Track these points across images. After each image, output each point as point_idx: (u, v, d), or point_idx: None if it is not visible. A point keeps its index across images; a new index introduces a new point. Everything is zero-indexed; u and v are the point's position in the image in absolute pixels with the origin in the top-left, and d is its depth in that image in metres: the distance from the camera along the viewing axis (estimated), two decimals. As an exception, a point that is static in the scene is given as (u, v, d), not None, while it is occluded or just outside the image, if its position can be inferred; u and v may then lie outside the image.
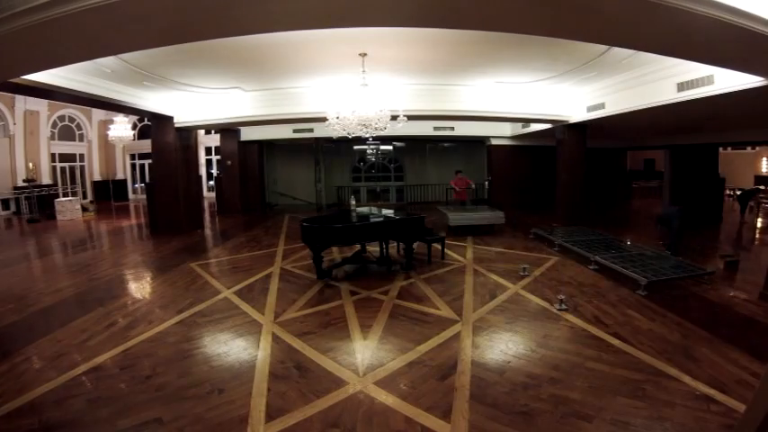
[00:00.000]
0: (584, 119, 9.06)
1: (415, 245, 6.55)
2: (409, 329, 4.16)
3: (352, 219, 6.54)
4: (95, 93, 6.93)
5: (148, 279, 6.23)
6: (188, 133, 10.15)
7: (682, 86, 6.21)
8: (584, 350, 3.63)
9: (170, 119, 9.51)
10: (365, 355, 3.63)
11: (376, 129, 6.37)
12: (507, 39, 5.22)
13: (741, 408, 2.71)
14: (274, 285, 5.67)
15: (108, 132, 13.58)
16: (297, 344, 3.87)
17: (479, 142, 15.59)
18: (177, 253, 7.82)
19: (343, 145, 15.86)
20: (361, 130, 6.38)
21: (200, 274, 6.32)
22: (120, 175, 19.60)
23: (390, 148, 17.29)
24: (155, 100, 8.73)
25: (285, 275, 6.18)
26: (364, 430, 2.64)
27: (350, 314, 4.56)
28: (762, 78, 4.73)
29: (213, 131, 16.99)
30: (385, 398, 2.97)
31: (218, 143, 15.42)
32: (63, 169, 16.88)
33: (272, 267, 6.61)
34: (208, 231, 10.36)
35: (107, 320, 4.48)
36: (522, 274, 5.84)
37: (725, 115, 7.75)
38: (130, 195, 19.82)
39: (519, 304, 4.77)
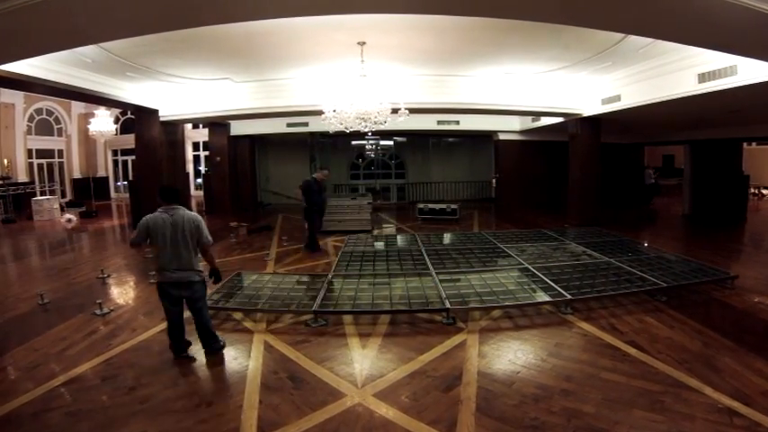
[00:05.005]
0: (599, 112, 9.07)
1: None
2: (411, 338, 4.17)
3: None
4: (75, 84, 6.95)
5: (132, 284, 6.23)
6: (174, 127, 10.16)
7: (703, 77, 6.22)
8: (598, 360, 3.63)
9: (155, 112, 9.51)
10: (364, 365, 3.62)
11: (375, 123, 6.38)
12: (516, 26, 5.23)
13: (766, 421, 2.72)
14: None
15: (88, 126, 13.58)
16: (291, 353, 3.87)
17: (486, 137, 15.60)
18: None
19: (340, 140, 15.86)
20: (359, 124, 6.38)
21: (187, 279, 6.30)
22: (101, 173, 19.60)
23: (391, 143, 17.30)
24: (138, 91, 8.73)
25: (278, 280, 6.16)
26: (363, 445, 2.64)
27: (347, 321, 4.56)
28: (789, 69, 4.73)
29: (201, 125, 16.98)
30: (385, 411, 2.97)
31: (206, 138, 15.42)
32: (40, 166, 16.88)
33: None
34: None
35: (87, 328, 4.48)
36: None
37: (749, 108, 7.76)
38: (112, 194, 19.83)
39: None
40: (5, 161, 14.65)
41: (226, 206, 13.78)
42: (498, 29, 5.58)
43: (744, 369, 3.38)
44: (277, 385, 3.33)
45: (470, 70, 8.04)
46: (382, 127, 6.55)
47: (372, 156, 17.54)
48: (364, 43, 5.98)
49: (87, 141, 18.50)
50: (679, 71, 6.62)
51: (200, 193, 16.83)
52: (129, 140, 13.70)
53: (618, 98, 8.32)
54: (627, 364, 3.55)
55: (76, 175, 18.48)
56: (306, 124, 12.62)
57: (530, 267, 5.83)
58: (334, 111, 6.28)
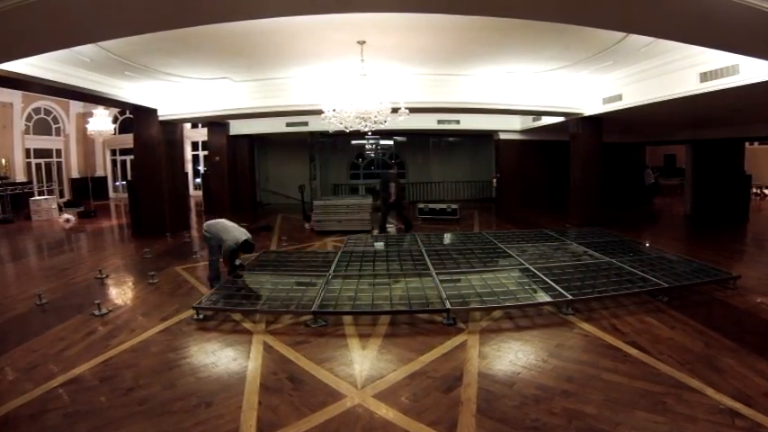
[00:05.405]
0: (600, 111, 9.07)
1: None
2: (411, 338, 4.17)
3: None
4: (73, 83, 6.94)
5: (130, 284, 6.23)
6: (173, 127, 10.16)
7: (705, 77, 6.22)
8: (599, 360, 3.63)
9: (153, 111, 9.51)
10: (364, 366, 3.63)
11: (375, 122, 6.38)
12: (517, 25, 5.23)
13: (769, 422, 2.72)
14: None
15: (87, 126, 13.60)
16: (290, 353, 3.87)
17: (487, 137, 15.60)
18: (161, 256, 7.82)
19: (339, 140, 15.87)
20: (359, 123, 6.38)
21: (186, 279, 6.31)
22: (99, 172, 19.61)
23: (391, 142, 17.31)
24: (137, 91, 8.74)
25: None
26: (363, 447, 2.64)
27: (347, 321, 4.56)
28: (791, 68, 4.74)
29: (200, 125, 17.00)
30: (385, 412, 2.97)
31: (205, 137, 15.43)
32: (38, 166, 16.89)
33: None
34: (194, 233, 10.37)
35: (86, 328, 4.48)
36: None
37: (751, 107, 7.77)
38: (111, 194, 19.84)
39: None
40: (3, 161, 14.66)
41: (225, 206, 13.75)
42: (498, 28, 5.58)
43: (746, 370, 3.38)
44: (276, 386, 3.33)
45: (470, 69, 8.04)
46: (382, 126, 6.55)
47: (372, 155, 17.55)
48: (364, 42, 5.98)
49: (86, 141, 18.52)
50: (681, 70, 6.62)
51: (199, 192, 16.82)
52: (128, 140, 13.69)
53: (619, 97, 8.32)
54: (628, 364, 3.55)
55: (75, 174, 18.49)
56: (305, 124, 12.61)
57: (530, 268, 5.83)
58: (334, 110, 6.27)
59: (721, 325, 4.26)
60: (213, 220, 5.92)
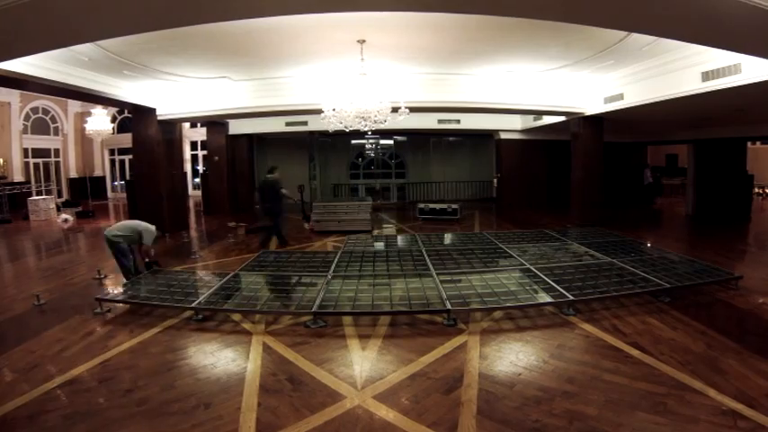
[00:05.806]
0: (601, 111, 9.07)
1: None
2: (411, 339, 4.17)
3: None
4: (71, 83, 6.95)
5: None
6: (172, 126, 10.16)
7: (707, 76, 6.22)
8: (600, 361, 3.63)
9: (152, 111, 9.52)
10: (364, 367, 3.63)
11: (375, 122, 6.38)
12: (517, 24, 5.24)
13: (771, 424, 2.72)
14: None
15: (85, 125, 13.60)
16: (290, 354, 3.87)
17: (487, 136, 15.61)
18: (160, 256, 7.81)
19: (339, 139, 15.86)
20: (359, 123, 6.38)
21: (184, 279, 6.31)
22: (98, 172, 19.61)
23: (391, 142, 17.31)
24: (135, 90, 8.74)
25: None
26: (363, 448, 2.64)
27: (347, 322, 4.56)
28: (793, 67, 4.73)
29: (199, 124, 17.01)
30: (385, 413, 2.97)
31: (204, 137, 15.45)
32: (36, 165, 16.90)
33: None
34: (193, 233, 10.37)
35: (84, 329, 4.48)
36: None
37: (753, 107, 7.76)
38: (109, 194, 19.84)
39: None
40: (1, 160, 14.67)
41: (224, 206, 13.78)
42: (498, 27, 5.59)
43: (748, 371, 3.38)
44: (276, 387, 3.33)
45: (471, 68, 8.04)
46: (382, 126, 6.55)
47: (372, 155, 17.55)
48: (364, 41, 5.98)
49: (84, 141, 18.52)
50: (682, 69, 6.63)
51: (198, 192, 16.82)
52: (126, 139, 13.71)
53: (620, 97, 8.32)
54: (629, 365, 3.55)
55: (73, 174, 18.50)
56: (305, 123, 12.62)
57: (531, 268, 5.83)
58: (334, 109, 6.27)
59: (723, 326, 4.26)
60: (121, 223, 6.21)
